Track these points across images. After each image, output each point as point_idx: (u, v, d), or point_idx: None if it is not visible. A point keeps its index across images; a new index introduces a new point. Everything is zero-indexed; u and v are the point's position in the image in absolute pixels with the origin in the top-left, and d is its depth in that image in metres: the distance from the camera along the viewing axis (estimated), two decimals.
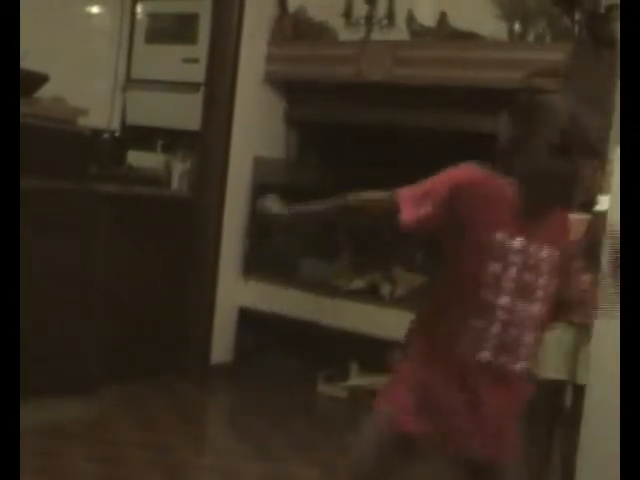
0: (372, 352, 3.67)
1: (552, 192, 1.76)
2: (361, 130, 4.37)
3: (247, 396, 4.28)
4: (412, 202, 1.76)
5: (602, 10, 3.93)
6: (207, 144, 4.48)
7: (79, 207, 3.75)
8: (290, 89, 4.70)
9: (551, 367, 3.03)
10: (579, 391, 3.07)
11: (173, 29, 4.93)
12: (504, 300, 1.75)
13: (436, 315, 1.84)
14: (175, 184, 4.57)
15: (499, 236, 1.74)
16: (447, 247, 1.81)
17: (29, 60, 3.83)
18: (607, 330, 2.60)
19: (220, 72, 4.46)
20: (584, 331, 3.01)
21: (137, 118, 4.97)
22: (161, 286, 4.30)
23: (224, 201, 4.44)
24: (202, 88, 4.57)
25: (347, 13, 4.51)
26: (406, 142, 4.20)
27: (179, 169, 4.57)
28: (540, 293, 1.78)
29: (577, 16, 3.89)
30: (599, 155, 1.75)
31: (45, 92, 3.73)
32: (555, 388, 3.06)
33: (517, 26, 3.98)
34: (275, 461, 3.35)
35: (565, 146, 1.72)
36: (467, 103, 3.92)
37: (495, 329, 1.75)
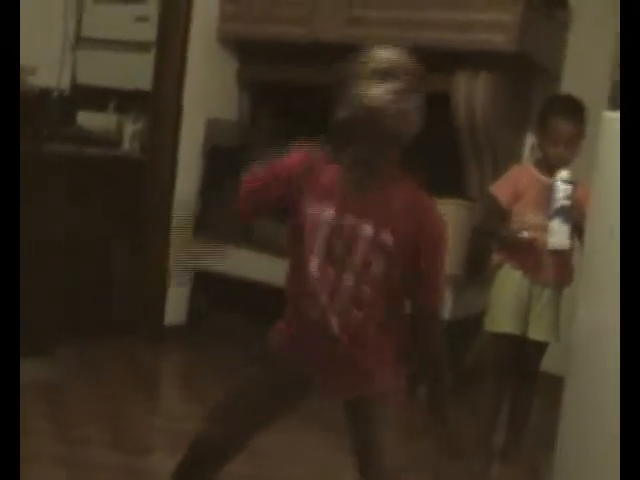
0: None
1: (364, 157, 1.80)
2: (314, 91, 4.34)
3: (200, 357, 4.29)
4: (248, 195, 1.97)
5: None
6: (159, 105, 4.43)
7: (28, 167, 3.69)
8: (243, 49, 4.65)
9: (501, 321, 3.10)
10: (536, 347, 3.13)
11: None
12: (313, 266, 1.82)
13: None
14: (127, 145, 4.52)
15: (311, 205, 1.82)
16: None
17: None
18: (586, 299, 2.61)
19: (172, 31, 4.39)
20: (539, 287, 3.07)
21: (88, 77, 4.89)
22: (114, 248, 4.27)
23: (176, 162, 4.40)
24: (154, 47, 4.50)
25: None
26: None
27: (131, 130, 4.52)
28: (354, 266, 1.81)
29: None
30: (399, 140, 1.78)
31: None
32: (509, 343, 3.12)
33: None
34: None
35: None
36: (420, 64, 3.92)
37: (308, 289, 1.84)
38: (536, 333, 3.09)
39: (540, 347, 3.14)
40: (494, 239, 3.18)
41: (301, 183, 1.83)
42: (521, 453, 3.21)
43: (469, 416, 3.45)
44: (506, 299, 3.08)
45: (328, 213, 1.81)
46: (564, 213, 2.86)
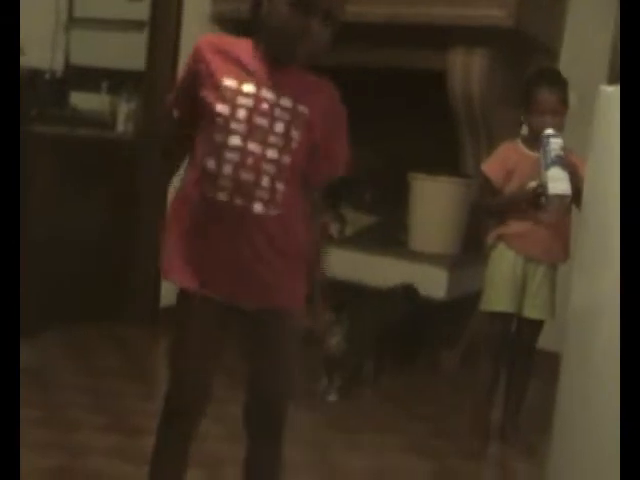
0: None
1: (283, 46, 1.80)
2: (307, 69, 4.30)
3: None
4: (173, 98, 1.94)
5: None
6: (152, 84, 4.37)
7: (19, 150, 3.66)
8: (236, 28, 4.57)
9: (495, 300, 3.08)
10: (531, 325, 3.11)
11: None
12: (233, 141, 1.80)
13: (187, 173, 1.91)
14: (120, 126, 4.48)
15: (228, 82, 1.80)
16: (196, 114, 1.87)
17: None
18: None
19: (165, 10, 4.34)
20: (533, 265, 3.05)
21: (80, 58, 4.85)
22: (107, 230, 4.24)
23: None
24: (147, 27, 4.46)
25: None
26: (354, 81, 4.15)
27: (124, 111, 4.49)
28: (276, 139, 1.81)
29: None
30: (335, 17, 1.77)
31: None
32: (504, 321, 3.10)
33: None
34: (218, 402, 3.34)
35: (300, 3, 1.75)
36: (415, 40, 3.87)
37: (227, 170, 1.80)
38: (531, 311, 3.08)
39: (536, 325, 3.12)
40: (491, 213, 3.15)
41: (211, 59, 1.81)
42: (519, 432, 3.19)
43: (466, 395, 3.45)
44: (500, 278, 3.06)
45: (248, 87, 1.81)
46: (561, 161, 2.83)
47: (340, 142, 1.92)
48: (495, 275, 3.08)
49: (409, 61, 3.97)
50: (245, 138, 1.80)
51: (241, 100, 1.80)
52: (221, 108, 1.80)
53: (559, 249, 3.03)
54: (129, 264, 4.35)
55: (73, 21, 4.90)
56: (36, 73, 4.29)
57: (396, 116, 4.16)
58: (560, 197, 2.84)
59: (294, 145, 1.83)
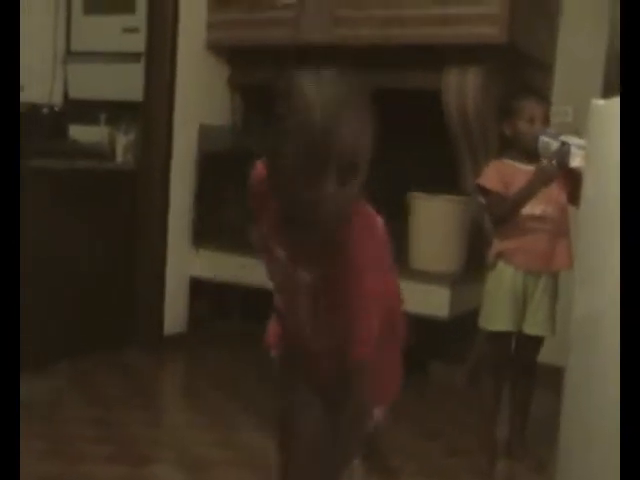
0: None
1: (299, 212, 1.53)
2: None
3: (201, 365, 4.27)
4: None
5: None
6: (150, 114, 4.41)
7: (20, 184, 3.68)
8: (232, 54, 4.65)
9: (495, 319, 3.05)
10: (532, 341, 3.09)
11: None
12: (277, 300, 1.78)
13: None
14: (120, 157, 4.50)
15: (277, 251, 1.67)
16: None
17: None
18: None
19: (160, 40, 4.38)
20: (534, 279, 3.03)
21: (79, 91, 4.88)
22: (110, 260, 4.26)
23: (170, 171, 4.39)
24: (143, 58, 4.49)
25: None
26: None
27: (123, 141, 4.51)
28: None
29: None
30: (361, 173, 1.46)
31: None
32: (505, 340, 3.09)
33: None
34: (229, 429, 3.35)
35: (312, 165, 1.42)
36: (408, 61, 3.90)
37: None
38: (532, 328, 3.06)
39: (537, 341, 3.10)
40: (510, 216, 3.02)
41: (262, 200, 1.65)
42: (526, 447, 3.17)
43: (472, 413, 3.44)
44: (500, 297, 3.04)
45: (281, 254, 1.65)
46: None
47: (353, 301, 1.71)
48: (494, 293, 3.06)
49: (403, 82, 3.99)
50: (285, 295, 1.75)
51: (278, 269, 1.69)
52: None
53: (561, 257, 3.00)
54: (131, 294, 4.35)
55: (70, 55, 4.93)
56: (35, 108, 4.32)
57: (392, 137, 4.17)
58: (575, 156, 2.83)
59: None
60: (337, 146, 1.40)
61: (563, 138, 2.88)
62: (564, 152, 2.86)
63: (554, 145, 2.89)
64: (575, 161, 2.82)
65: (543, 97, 3.17)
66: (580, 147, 2.79)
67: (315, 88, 1.44)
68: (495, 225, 3.11)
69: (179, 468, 2.96)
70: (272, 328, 1.91)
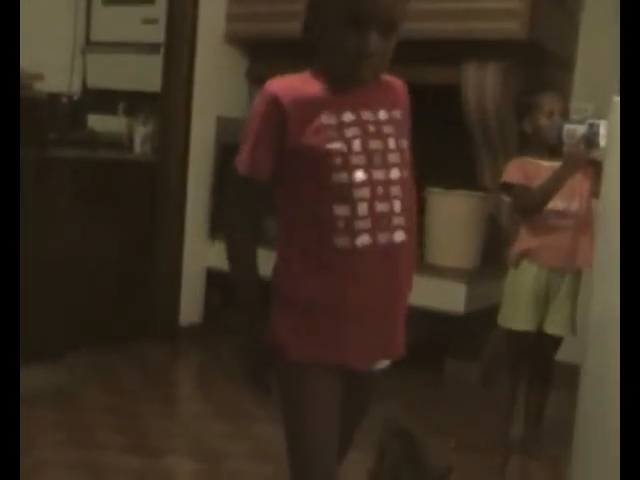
0: None
1: (343, 72, 1.62)
2: None
3: (216, 356, 4.28)
4: (247, 154, 1.64)
5: None
6: (169, 105, 4.42)
7: (38, 173, 3.70)
8: (251, 47, 4.64)
9: (516, 318, 3.03)
10: (552, 341, 3.07)
11: None
12: (359, 176, 1.61)
13: (289, 239, 1.67)
14: (138, 148, 4.52)
15: (326, 119, 1.61)
16: (284, 183, 1.66)
17: None
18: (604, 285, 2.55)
19: (180, 32, 4.39)
20: (558, 277, 3.00)
21: (98, 81, 4.91)
22: (126, 251, 4.27)
23: (187, 162, 4.40)
24: (162, 49, 4.50)
25: None
26: None
27: (141, 132, 4.52)
28: (393, 157, 1.66)
29: None
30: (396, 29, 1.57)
31: None
32: (524, 339, 3.05)
33: None
34: (242, 420, 3.36)
35: (355, 19, 1.56)
36: (428, 56, 3.88)
37: (361, 209, 1.60)
38: (553, 328, 3.02)
39: (556, 340, 3.08)
40: (538, 208, 2.95)
41: (293, 104, 1.60)
42: (540, 444, 3.16)
43: (487, 410, 3.43)
44: (522, 296, 3.00)
45: (347, 115, 1.63)
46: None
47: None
48: (516, 292, 3.02)
49: (422, 77, 3.97)
50: (368, 168, 1.62)
51: (350, 131, 1.62)
52: (335, 146, 1.60)
53: (584, 253, 2.94)
54: (148, 283, 4.37)
55: (90, 45, 4.95)
56: (54, 97, 4.33)
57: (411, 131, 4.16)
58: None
59: (406, 155, 1.69)
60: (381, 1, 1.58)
61: (590, 121, 2.86)
62: (593, 132, 2.82)
63: (580, 129, 2.86)
64: (604, 141, 2.79)
65: (562, 92, 3.14)
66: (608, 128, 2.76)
67: None
68: (523, 219, 3.06)
69: (193, 459, 2.97)
70: (282, 324, 1.67)
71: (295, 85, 1.64)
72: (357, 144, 1.61)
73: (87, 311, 3.99)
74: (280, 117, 1.59)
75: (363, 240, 1.60)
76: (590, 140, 2.84)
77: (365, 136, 1.63)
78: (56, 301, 3.79)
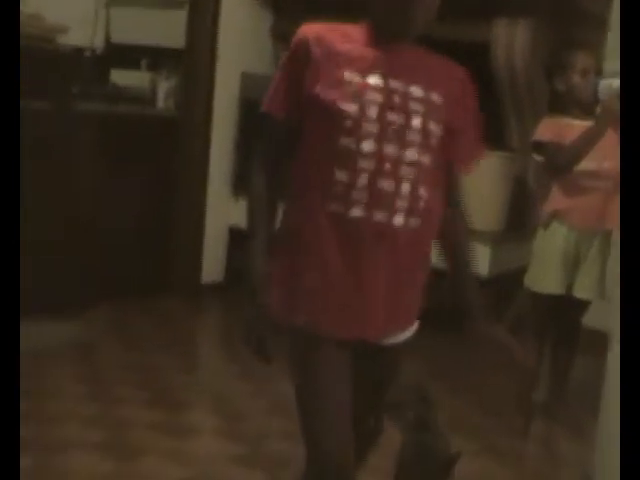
0: None
1: (395, 20, 1.55)
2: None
3: (237, 316, 4.27)
4: (270, 92, 1.61)
5: None
6: (193, 61, 4.38)
7: (61, 127, 3.68)
8: (277, 2, 4.57)
9: (544, 280, 2.98)
10: (580, 305, 3.03)
11: None
12: (367, 146, 1.52)
13: (295, 192, 1.62)
14: (161, 103, 4.48)
15: (350, 75, 1.53)
16: (300, 137, 1.60)
17: None
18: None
19: None
20: (588, 239, 2.95)
21: (121, 35, 4.84)
22: (150, 207, 4.25)
23: (211, 118, 4.36)
24: (187, 4, 4.44)
25: None
26: None
27: (164, 87, 4.48)
28: (414, 137, 1.55)
29: None
30: None
31: (24, 9, 3.61)
32: (552, 302, 3.01)
33: None
34: (262, 380, 3.35)
35: None
36: (456, 12, 3.79)
37: (362, 180, 1.52)
38: (582, 291, 2.98)
39: (584, 304, 3.04)
40: (571, 164, 2.88)
41: (323, 51, 1.54)
42: (564, 408, 3.14)
43: (509, 374, 3.40)
44: (551, 258, 2.95)
45: (373, 78, 1.54)
46: None
47: (476, 123, 1.69)
48: (545, 254, 2.98)
49: (451, 33, 3.88)
50: (379, 140, 1.52)
51: (370, 95, 1.53)
52: (348, 107, 1.52)
53: (615, 215, 2.88)
54: (170, 240, 4.36)
55: None
56: (77, 51, 4.29)
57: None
58: None
59: (433, 141, 1.57)
60: None
61: None
62: None
63: (616, 82, 2.77)
64: None
65: (595, 51, 3.07)
66: None
67: None
68: (554, 179, 3.00)
69: (214, 416, 2.98)
70: (276, 289, 1.62)
71: (331, 33, 1.57)
72: (373, 111, 1.52)
73: (108, 267, 3.98)
74: (304, 61, 1.55)
75: (356, 212, 1.53)
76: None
77: (385, 105, 1.53)
78: (77, 256, 3.78)
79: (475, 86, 1.68)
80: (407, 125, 1.54)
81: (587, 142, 2.83)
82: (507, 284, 3.48)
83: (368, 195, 1.52)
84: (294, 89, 1.57)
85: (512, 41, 3.73)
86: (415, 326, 1.70)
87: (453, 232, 1.72)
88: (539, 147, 2.99)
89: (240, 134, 4.46)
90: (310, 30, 1.57)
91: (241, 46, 4.46)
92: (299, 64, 1.56)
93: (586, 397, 2.79)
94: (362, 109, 1.52)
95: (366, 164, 1.52)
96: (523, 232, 3.32)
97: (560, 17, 3.79)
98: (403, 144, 1.53)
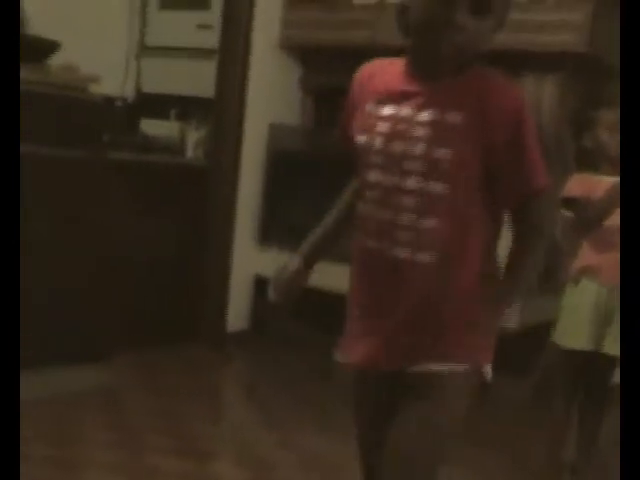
0: None
1: (425, 44, 1.51)
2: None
3: (263, 365, 4.28)
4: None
5: None
6: (222, 111, 4.43)
7: (92, 175, 3.72)
8: (306, 54, 4.63)
9: (574, 337, 2.96)
10: (610, 362, 2.98)
11: None
12: (372, 176, 1.55)
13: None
14: (190, 152, 4.53)
15: (369, 107, 1.57)
16: None
17: (40, 26, 3.82)
18: None
19: (234, 38, 4.40)
20: (618, 295, 2.92)
21: (151, 85, 4.94)
22: (177, 254, 4.28)
23: (239, 169, 4.40)
24: (216, 55, 4.51)
25: None
26: None
27: (194, 137, 4.54)
28: (415, 164, 1.50)
29: None
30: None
31: (57, 60, 3.69)
32: (582, 358, 2.98)
33: None
34: (289, 430, 3.34)
35: None
36: (487, 66, 3.84)
37: (370, 210, 1.56)
38: (614, 348, 2.95)
39: (614, 361, 3.00)
40: (596, 221, 2.89)
41: (360, 86, 1.61)
42: (592, 469, 3.09)
43: (538, 431, 3.37)
44: (582, 314, 2.92)
45: (387, 109, 1.54)
46: None
47: (528, 152, 1.53)
48: (575, 309, 2.94)
49: None
50: (383, 170, 1.54)
51: (379, 126, 1.54)
52: (361, 139, 1.57)
53: None
54: (197, 288, 4.37)
55: (144, 49, 4.99)
56: (108, 100, 4.37)
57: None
58: None
59: (445, 166, 1.48)
60: None
61: None
62: None
63: None
64: None
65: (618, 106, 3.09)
66: None
67: None
68: (584, 235, 3.00)
69: (241, 466, 2.96)
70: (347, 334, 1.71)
71: (378, 67, 1.63)
72: (379, 141, 1.54)
73: (136, 313, 4.00)
74: (352, 97, 1.63)
75: (370, 243, 1.58)
76: None
77: (390, 134, 1.53)
78: (106, 302, 3.80)
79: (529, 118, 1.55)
80: (405, 153, 1.51)
81: (615, 197, 2.83)
82: (536, 338, 3.46)
83: (375, 226, 1.56)
84: (343, 126, 1.65)
85: (540, 96, 3.75)
86: (466, 365, 1.59)
87: (513, 265, 1.61)
88: (568, 203, 2.99)
89: (267, 184, 4.50)
90: (363, 68, 1.65)
91: (270, 97, 4.51)
92: (349, 99, 1.64)
93: (616, 456, 2.75)
94: (371, 140, 1.55)
95: (373, 195, 1.56)
96: (552, 286, 3.30)
97: (587, 73, 3.82)
98: (401, 173, 1.51)
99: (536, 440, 3.30)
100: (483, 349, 1.62)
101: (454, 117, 1.48)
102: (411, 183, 1.51)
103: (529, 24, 3.69)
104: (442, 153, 1.48)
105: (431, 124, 1.49)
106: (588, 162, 3.05)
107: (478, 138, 1.48)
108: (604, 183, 2.91)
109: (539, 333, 3.41)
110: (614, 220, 2.86)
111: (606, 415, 3.09)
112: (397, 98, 1.54)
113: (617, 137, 2.92)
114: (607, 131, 2.95)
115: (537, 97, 3.77)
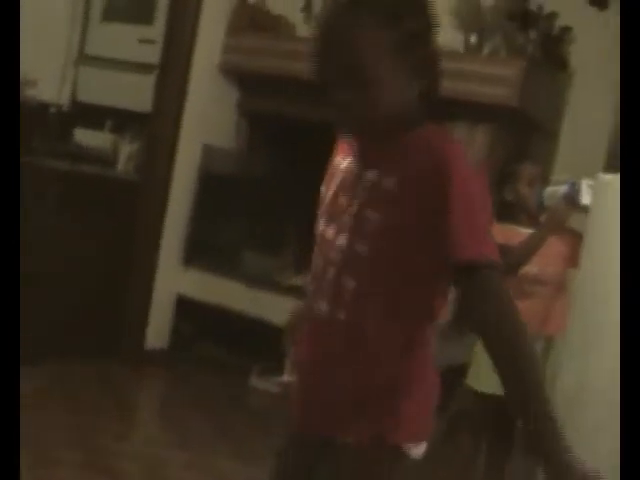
0: None
1: (344, 123, 1.49)
2: (312, 126, 4.36)
3: (179, 384, 4.27)
4: None
5: (556, 31, 4.02)
6: (156, 127, 4.43)
7: (23, 181, 3.68)
8: (244, 80, 4.67)
9: (486, 381, 3.04)
10: None
11: (130, 8, 4.88)
12: (319, 227, 1.54)
13: None
14: (121, 165, 4.51)
15: (337, 158, 1.59)
16: None
17: None
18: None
19: (175, 55, 4.41)
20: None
21: (87, 95, 4.90)
22: (100, 267, 4.25)
23: (169, 187, 4.40)
24: (156, 70, 4.51)
25: (307, 8, 4.47)
26: None
27: (126, 150, 4.53)
28: (349, 222, 1.47)
29: (532, 35, 3.97)
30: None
31: None
32: (493, 402, 3.06)
33: (473, 38, 4.03)
34: (199, 451, 3.34)
35: (318, 75, 1.47)
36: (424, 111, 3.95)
37: (316, 269, 1.53)
38: None
39: None
40: (518, 265, 2.95)
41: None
42: None
43: (445, 469, 3.45)
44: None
45: (346, 162, 1.54)
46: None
47: (455, 218, 1.37)
48: (485, 355, 3.04)
49: None
50: (327, 221, 1.52)
51: (336, 178, 1.55)
52: (322, 188, 1.59)
53: (556, 320, 2.96)
54: (120, 303, 4.35)
55: (83, 58, 4.95)
56: (43, 106, 4.32)
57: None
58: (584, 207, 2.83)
59: (369, 228, 1.43)
60: (335, 45, 1.44)
61: (571, 180, 2.91)
62: (575, 190, 2.85)
63: (561, 189, 2.91)
64: (586, 199, 2.81)
65: (544, 162, 3.23)
66: (589, 186, 2.80)
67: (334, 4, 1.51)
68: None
69: None
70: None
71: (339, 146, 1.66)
72: (330, 192, 1.54)
73: (56, 324, 3.95)
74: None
75: (308, 293, 1.56)
76: (571, 198, 2.87)
77: (340, 188, 1.52)
78: (27, 312, 3.74)
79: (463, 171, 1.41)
80: (346, 209, 1.48)
81: (532, 245, 2.95)
82: (450, 379, 3.54)
83: (313, 277, 1.53)
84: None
85: (471, 145, 3.87)
86: (399, 434, 1.50)
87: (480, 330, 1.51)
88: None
89: (196, 205, 4.50)
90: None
91: (205, 118, 4.52)
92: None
93: None
94: (326, 190, 1.56)
95: (317, 244, 1.54)
96: (466, 328, 3.40)
97: (515, 127, 3.96)
98: (338, 228, 1.48)
99: (444, 478, 3.38)
100: (405, 424, 1.51)
101: (388, 182, 1.44)
102: (341, 240, 1.47)
103: (465, 74, 3.81)
104: (370, 215, 1.44)
105: (370, 186, 1.46)
106: (508, 214, 3.16)
107: (411, 203, 1.41)
108: (522, 234, 3.04)
109: (456, 375, 3.49)
110: (527, 269, 2.98)
111: (513, 455, 3.19)
112: (356, 153, 1.53)
113: (535, 190, 3.05)
114: (527, 185, 3.08)
115: (468, 145, 3.89)
